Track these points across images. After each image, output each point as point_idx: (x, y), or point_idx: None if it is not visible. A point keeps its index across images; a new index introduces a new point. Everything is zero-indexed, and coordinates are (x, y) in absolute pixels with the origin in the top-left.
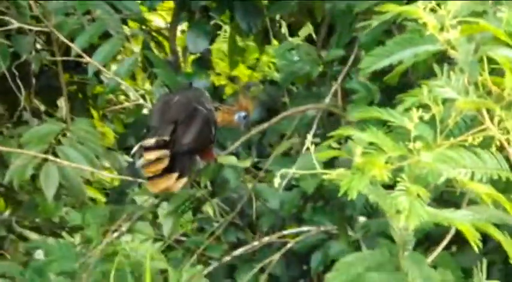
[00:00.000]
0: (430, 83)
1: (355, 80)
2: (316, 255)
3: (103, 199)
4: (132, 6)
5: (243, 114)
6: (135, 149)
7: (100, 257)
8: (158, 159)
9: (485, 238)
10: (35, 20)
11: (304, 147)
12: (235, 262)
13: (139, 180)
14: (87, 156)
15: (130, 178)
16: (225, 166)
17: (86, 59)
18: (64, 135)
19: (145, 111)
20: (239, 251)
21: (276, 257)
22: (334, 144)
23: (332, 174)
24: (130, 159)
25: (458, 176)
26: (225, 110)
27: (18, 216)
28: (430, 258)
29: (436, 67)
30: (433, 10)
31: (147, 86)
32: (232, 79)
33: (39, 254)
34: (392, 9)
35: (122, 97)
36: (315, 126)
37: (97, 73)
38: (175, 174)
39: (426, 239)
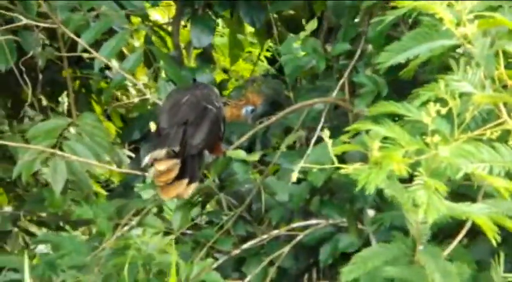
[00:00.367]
0: (447, 77)
1: (363, 73)
2: (325, 248)
3: (103, 193)
4: (137, 3)
5: (250, 108)
6: (146, 159)
7: (112, 251)
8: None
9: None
10: (40, 16)
11: (312, 141)
12: (243, 255)
13: (145, 174)
14: (94, 150)
15: (137, 172)
16: (234, 160)
17: (94, 54)
18: (69, 130)
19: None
20: (248, 244)
21: (286, 249)
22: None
23: (349, 168)
24: (130, 153)
25: (476, 170)
26: (233, 105)
27: (25, 210)
28: (446, 252)
29: (452, 62)
30: (449, 5)
31: (145, 79)
32: (226, 71)
33: (41, 249)
34: (409, 4)
35: (119, 93)
36: (322, 120)
37: (101, 69)
38: (186, 181)
39: (440, 233)
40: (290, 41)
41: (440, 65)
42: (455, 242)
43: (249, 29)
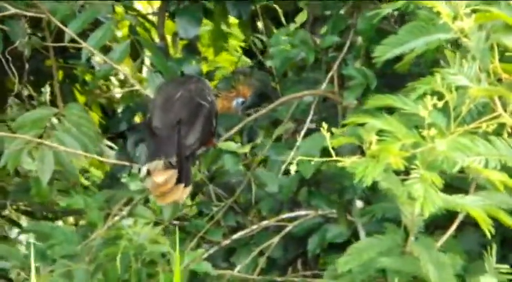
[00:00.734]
0: (443, 70)
1: (352, 66)
2: (313, 238)
3: (86, 183)
4: None
5: (241, 100)
6: (143, 170)
7: (103, 241)
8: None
9: None
10: (26, 6)
11: (302, 133)
12: (233, 245)
13: (132, 164)
14: (81, 141)
15: (124, 163)
16: (224, 152)
17: (82, 44)
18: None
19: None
20: (238, 234)
21: (276, 240)
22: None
23: (346, 161)
24: (110, 144)
25: (472, 163)
26: (223, 97)
27: (11, 200)
28: (439, 243)
29: (448, 55)
30: None
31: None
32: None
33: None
34: None
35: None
36: (312, 112)
37: (87, 59)
38: (182, 186)
39: (431, 224)
40: (280, 33)
41: (430, 59)
42: (448, 234)
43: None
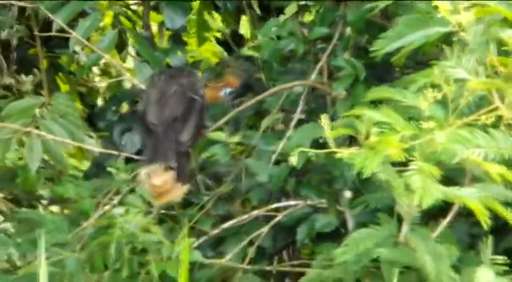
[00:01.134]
0: (441, 63)
1: (341, 57)
2: (302, 228)
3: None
4: None
5: (229, 90)
6: (142, 174)
7: (94, 229)
8: None
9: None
10: None
11: (292, 123)
12: (222, 235)
13: (119, 153)
14: (68, 130)
15: (112, 151)
16: (214, 142)
17: (71, 33)
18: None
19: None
20: (228, 223)
21: (265, 229)
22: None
23: (344, 152)
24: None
25: (471, 155)
26: (212, 87)
27: None
28: (435, 234)
29: (446, 48)
30: None
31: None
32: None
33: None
34: None
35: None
36: (301, 103)
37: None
38: (179, 185)
39: (424, 215)
40: (270, 24)
41: (427, 52)
42: (443, 224)
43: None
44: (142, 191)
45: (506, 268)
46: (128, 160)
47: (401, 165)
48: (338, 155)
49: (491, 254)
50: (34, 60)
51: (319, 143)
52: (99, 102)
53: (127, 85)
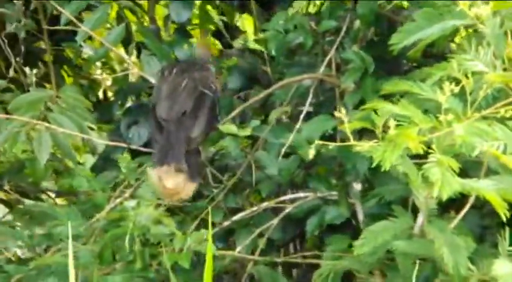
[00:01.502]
0: (459, 56)
1: (349, 50)
2: (312, 220)
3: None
4: None
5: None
6: (153, 175)
7: (107, 222)
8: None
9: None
10: None
11: (302, 116)
12: (232, 227)
13: (126, 145)
14: (77, 122)
15: (120, 144)
16: (225, 134)
17: (79, 27)
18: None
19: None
20: (239, 216)
21: (275, 221)
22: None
23: (364, 145)
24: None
25: (490, 148)
26: None
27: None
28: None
29: (464, 41)
30: None
31: None
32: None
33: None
34: None
35: None
36: (311, 96)
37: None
38: (190, 184)
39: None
40: (278, 17)
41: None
42: (459, 216)
43: None
44: (152, 185)
45: None
46: (135, 153)
47: (417, 158)
48: (357, 148)
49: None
50: (39, 53)
51: (326, 136)
52: (100, 94)
53: (132, 78)
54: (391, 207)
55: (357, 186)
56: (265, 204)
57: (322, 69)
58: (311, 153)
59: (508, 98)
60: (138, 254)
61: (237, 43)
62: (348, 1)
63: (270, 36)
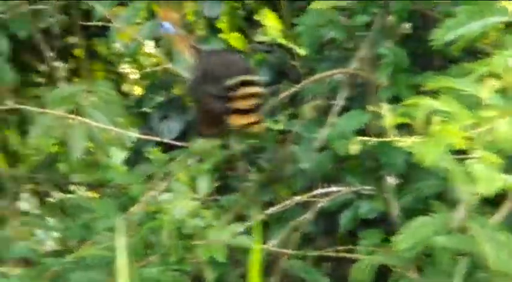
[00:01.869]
0: (503, 52)
1: (383, 45)
2: (345, 214)
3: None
4: None
5: (167, 25)
6: (232, 82)
7: (142, 215)
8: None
9: None
10: None
11: (335, 110)
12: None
13: (158, 139)
14: (110, 117)
15: (152, 138)
16: None
17: (112, 22)
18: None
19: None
20: (272, 209)
21: (308, 215)
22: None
23: (407, 141)
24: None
25: None
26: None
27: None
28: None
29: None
30: None
31: None
32: None
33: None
34: None
35: None
36: (344, 90)
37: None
38: (260, 115)
39: None
40: (311, 12)
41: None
42: (502, 212)
43: None
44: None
45: None
46: (166, 147)
47: (458, 154)
48: (399, 144)
49: None
50: (70, 47)
51: (359, 130)
52: (126, 88)
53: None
54: (426, 203)
55: (391, 181)
56: (298, 198)
57: (354, 64)
58: (353, 148)
59: None
60: (173, 246)
61: (259, 37)
62: None
63: (303, 31)
